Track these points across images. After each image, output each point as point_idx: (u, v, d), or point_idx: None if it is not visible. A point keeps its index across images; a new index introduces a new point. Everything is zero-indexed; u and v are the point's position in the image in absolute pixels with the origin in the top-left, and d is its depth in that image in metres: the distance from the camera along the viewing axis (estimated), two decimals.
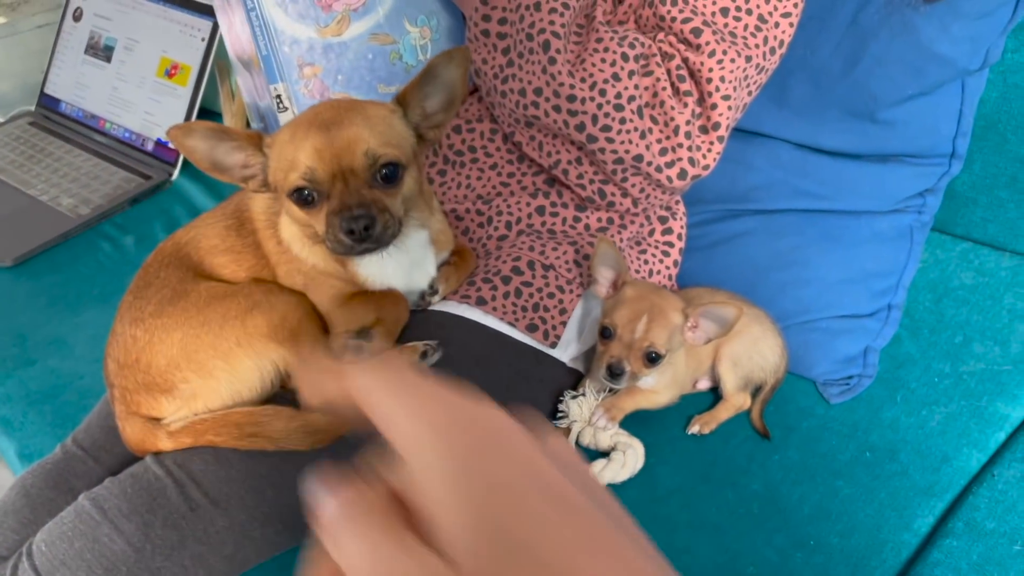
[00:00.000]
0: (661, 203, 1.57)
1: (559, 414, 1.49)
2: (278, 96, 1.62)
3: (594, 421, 1.45)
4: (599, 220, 1.57)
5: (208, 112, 2.47)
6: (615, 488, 1.42)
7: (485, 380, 1.40)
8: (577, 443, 1.47)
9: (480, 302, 1.44)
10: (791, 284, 1.63)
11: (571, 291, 1.50)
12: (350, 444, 1.27)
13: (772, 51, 1.48)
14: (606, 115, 1.39)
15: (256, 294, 1.31)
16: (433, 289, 1.42)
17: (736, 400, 1.51)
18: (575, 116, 1.40)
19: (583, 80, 1.38)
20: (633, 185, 1.47)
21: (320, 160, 1.16)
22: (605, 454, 1.46)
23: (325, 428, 1.24)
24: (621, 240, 1.58)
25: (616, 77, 1.37)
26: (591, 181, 1.50)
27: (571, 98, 1.39)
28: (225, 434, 1.22)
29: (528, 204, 1.55)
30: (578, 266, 1.52)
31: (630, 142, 1.40)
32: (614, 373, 1.37)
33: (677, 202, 1.65)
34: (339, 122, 1.16)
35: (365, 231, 1.16)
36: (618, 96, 1.38)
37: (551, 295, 1.48)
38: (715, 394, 1.58)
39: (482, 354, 1.41)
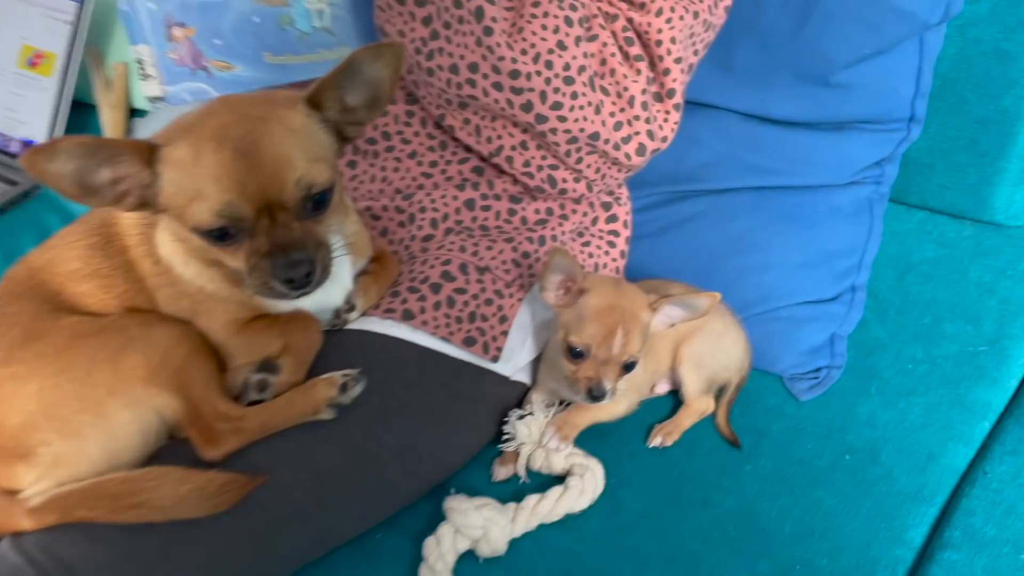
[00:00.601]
0: (609, 187, 1.39)
1: (504, 436, 1.30)
2: (139, 61, 1.35)
3: (545, 442, 1.26)
4: (536, 212, 1.37)
5: (82, 105, 2.16)
6: (576, 520, 1.24)
7: (418, 406, 1.20)
8: (527, 468, 1.29)
9: (407, 316, 1.23)
10: (749, 270, 1.48)
11: (511, 295, 1.31)
12: (258, 504, 1.06)
13: (717, 3, 1.30)
14: (556, 90, 1.20)
15: (130, 328, 1.08)
16: (350, 305, 1.21)
17: (699, 405, 1.35)
18: (520, 94, 1.21)
19: (524, 52, 1.18)
20: (588, 166, 1.29)
21: (242, 194, 0.96)
22: (560, 479, 1.28)
23: (226, 487, 1.02)
24: (563, 233, 1.39)
25: (561, 46, 1.18)
26: (539, 168, 1.31)
27: (514, 73, 1.19)
28: (100, 508, 0.99)
29: (455, 198, 1.34)
30: (516, 266, 1.33)
31: (584, 119, 1.22)
32: (595, 396, 1.19)
33: (620, 185, 1.47)
34: (256, 141, 0.95)
35: (306, 277, 0.98)
36: (566, 68, 1.18)
37: (488, 301, 1.28)
38: (675, 398, 1.41)
39: (412, 377, 1.21)
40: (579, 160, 1.28)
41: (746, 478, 1.31)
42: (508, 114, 1.25)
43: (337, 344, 1.20)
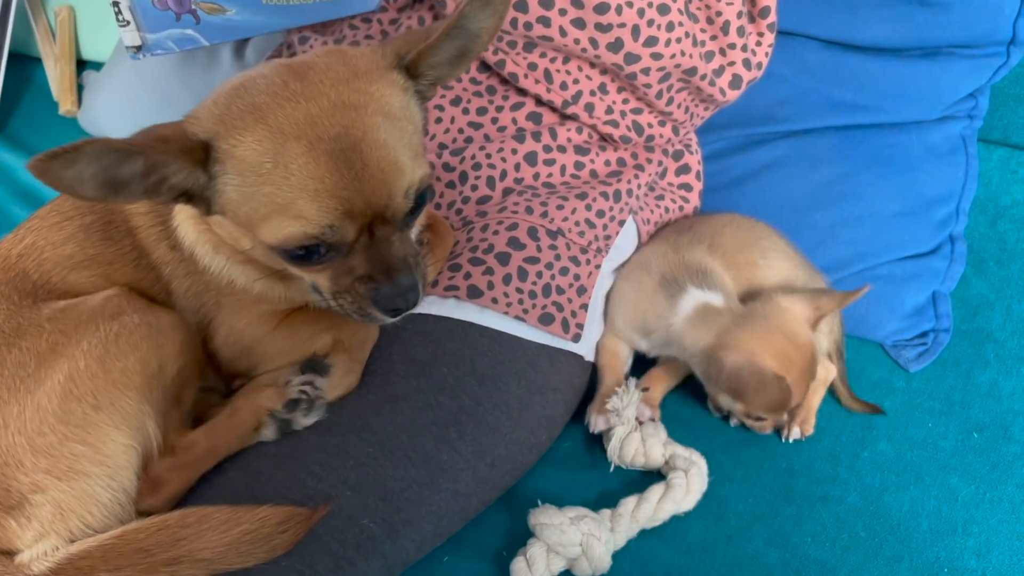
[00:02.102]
0: (695, 127, 1.19)
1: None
2: (115, 3, 1.10)
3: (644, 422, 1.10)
4: (607, 163, 1.16)
5: (21, 57, 1.87)
6: (677, 527, 1.05)
7: (491, 405, 1.00)
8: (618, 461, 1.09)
9: (474, 293, 1.02)
10: (841, 224, 1.29)
11: (587, 261, 1.10)
12: (321, 541, 0.84)
13: None
14: (650, 22, 1.02)
15: (127, 311, 0.85)
16: (425, 278, 0.98)
17: (822, 372, 1.15)
18: (607, 31, 1.02)
19: None
20: (679, 106, 1.10)
21: (346, 214, 0.77)
22: (658, 475, 1.08)
23: (284, 525, 0.80)
24: (639, 187, 1.17)
25: None
26: (623, 114, 1.11)
27: (601, 7, 1.00)
28: (127, 567, 0.78)
29: (514, 152, 1.11)
30: (591, 227, 1.11)
31: (681, 53, 1.04)
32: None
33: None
34: (359, 142, 0.76)
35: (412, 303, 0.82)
36: None
37: (564, 271, 1.07)
38: None
39: (485, 369, 1.00)
40: (669, 101, 1.10)
41: (865, 467, 1.13)
42: (589, 55, 1.06)
43: (393, 334, 0.99)
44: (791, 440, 1.13)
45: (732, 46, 1.08)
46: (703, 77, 1.08)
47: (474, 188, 1.10)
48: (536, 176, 1.12)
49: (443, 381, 0.96)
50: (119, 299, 0.87)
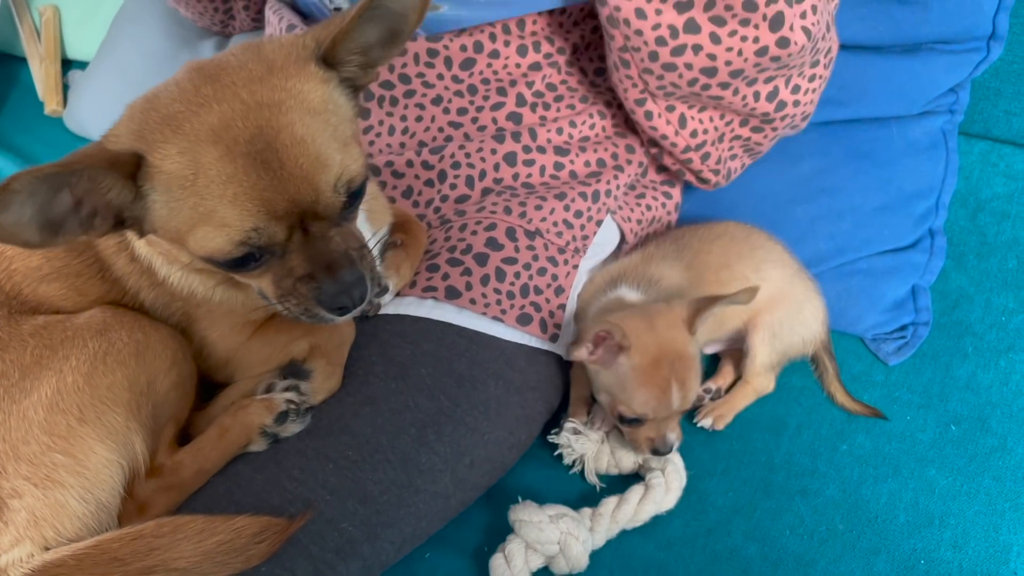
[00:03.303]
0: None
1: (554, 435, 1.11)
2: None
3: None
4: (587, 164, 1.16)
5: (6, 57, 1.87)
6: (657, 522, 1.06)
7: (469, 405, 1.00)
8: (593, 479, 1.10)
9: (452, 294, 1.02)
10: (821, 218, 1.30)
11: (565, 262, 1.11)
12: (300, 546, 0.85)
13: None
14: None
15: (115, 330, 0.86)
16: (382, 286, 0.99)
17: (760, 382, 1.17)
18: (769, 83, 1.09)
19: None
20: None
21: (269, 215, 0.74)
22: (636, 476, 1.09)
23: (261, 536, 0.81)
24: (618, 187, 1.18)
25: None
26: (723, 160, 1.18)
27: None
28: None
29: (493, 152, 1.12)
30: (569, 227, 1.12)
31: (811, 102, 1.18)
32: (663, 452, 1.05)
33: None
34: (274, 140, 0.74)
35: (360, 299, 0.80)
36: None
37: (542, 271, 1.08)
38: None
39: (463, 370, 1.01)
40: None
41: (843, 460, 1.14)
42: (745, 112, 1.11)
43: (372, 335, 0.99)
44: (699, 425, 1.14)
45: None
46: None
47: (453, 187, 1.11)
48: (515, 176, 1.13)
49: (421, 382, 0.97)
50: (105, 315, 0.87)
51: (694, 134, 1.13)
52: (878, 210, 1.30)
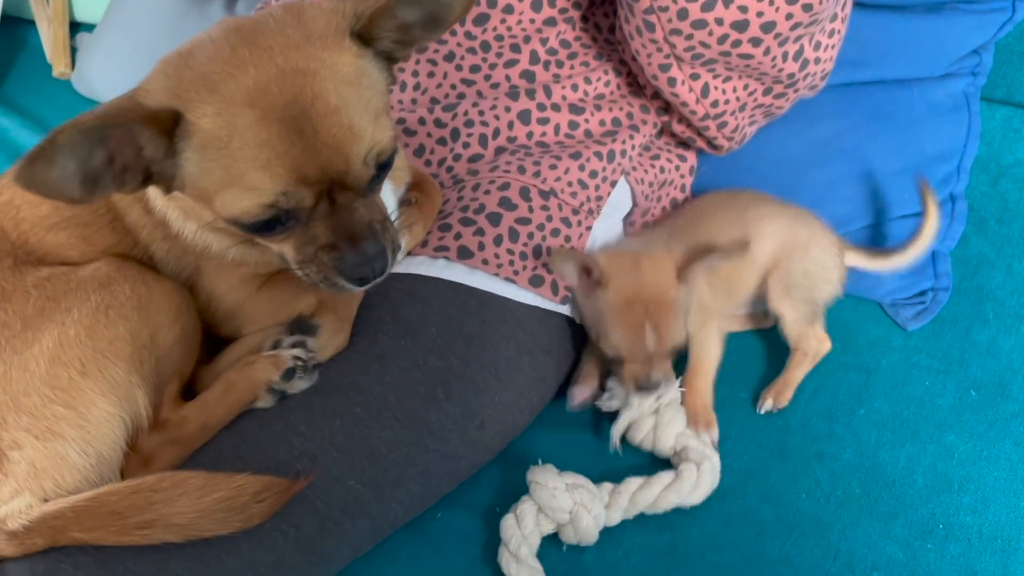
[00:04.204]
0: None
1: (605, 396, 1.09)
2: None
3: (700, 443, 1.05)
4: (602, 123, 1.14)
5: (14, 20, 1.85)
6: (679, 512, 1.03)
7: (479, 366, 0.99)
8: (623, 440, 1.07)
9: (464, 254, 1.01)
10: (841, 181, 1.27)
11: (578, 223, 1.09)
12: (306, 503, 0.84)
13: None
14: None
15: (117, 283, 0.84)
16: (394, 244, 0.97)
17: (807, 345, 1.14)
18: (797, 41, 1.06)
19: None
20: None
21: (299, 182, 0.74)
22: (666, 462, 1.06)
23: (262, 495, 0.80)
24: (633, 147, 1.15)
25: None
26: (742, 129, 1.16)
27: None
28: (101, 528, 0.77)
29: (507, 110, 1.10)
30: (583, 187, 1.10)
31: (831, 59, 1.13)
32: (647, 389, 1.02)
33: None
34: (308, 108, 0.73)
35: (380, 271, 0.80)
36: None
37: (555, 232, 1.06)
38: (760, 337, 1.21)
39: (472, 330, 0.99)
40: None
41: (861, 424, 1.12)
42: (772, 74, 1.06)
43: (382, 294, 0.98)
44: (762, 412, 1.11)
45: None
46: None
47: (466, 146, 1.09)
48: (529, 135, 1.10)
49: (431, 341, 0.95)
50: (109, 268, 0.86)
51: (715, 104, 1.10)
52: (898, 173, 1.27)
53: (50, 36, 1.79)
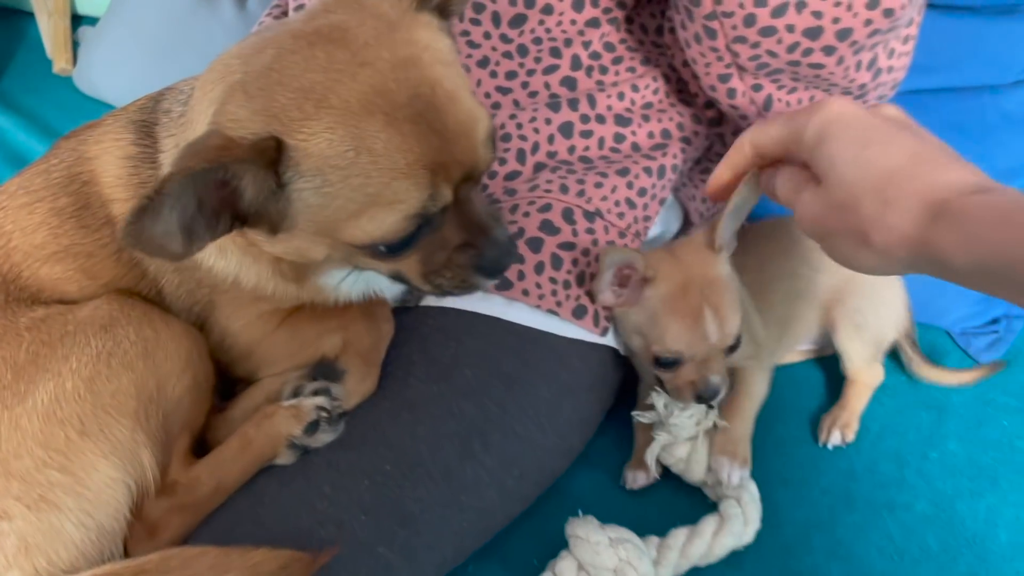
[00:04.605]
0: None
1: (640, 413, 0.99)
2: None
3: (725, 478, 0.95)
4: (651, 136, 1.03)
5: (13, 12, 1.76)
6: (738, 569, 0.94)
7: (518, 410, 0.89)
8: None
9: (502, 284, 0.91)
10: None
11: (625, 246, 0.98)
12: (329, 574, 0.74)
13: None
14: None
15: (120, 326, 0.74)
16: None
17: (870, 377, 1.05)
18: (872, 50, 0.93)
19: None
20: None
21: (444, 180, 0.68)
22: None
23: (286, 569, 0.70)
24: (684, 161, 1.05)
25: None
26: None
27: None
28: None
29: (548, 122, 0.99)
30: (631, 207, 1.00)
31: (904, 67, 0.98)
32: (707, 398, 0.93)
33: None
34: (428, 96, 0.66)
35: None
36: None
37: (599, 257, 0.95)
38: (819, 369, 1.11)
39: (512, 371, 0.89)
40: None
41: (934, 470, 1.02)
42: (843, 84, 0.95)
43: (412, 329, 0.88)
44: (830, 446, 1.03)
45: None
46: None
47: (502, 161, 0.98)
48: (571, 149, 1.00)
49: (466, 385, 0.86)
50: (111, 308, 0.76)
51: (768, 104, 0.99)
52: None
53: (50, 30, 1.70)
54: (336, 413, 0.80)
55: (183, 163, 0.59)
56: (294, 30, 0.68)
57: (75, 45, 1.70)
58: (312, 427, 0.78)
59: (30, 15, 1.75)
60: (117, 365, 0.72)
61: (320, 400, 0.79)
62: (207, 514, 0.76)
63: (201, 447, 0.81)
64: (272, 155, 0.63)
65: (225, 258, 0.78)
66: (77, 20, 1.74)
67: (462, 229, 0.71)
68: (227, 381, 0.86)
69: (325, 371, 0.81)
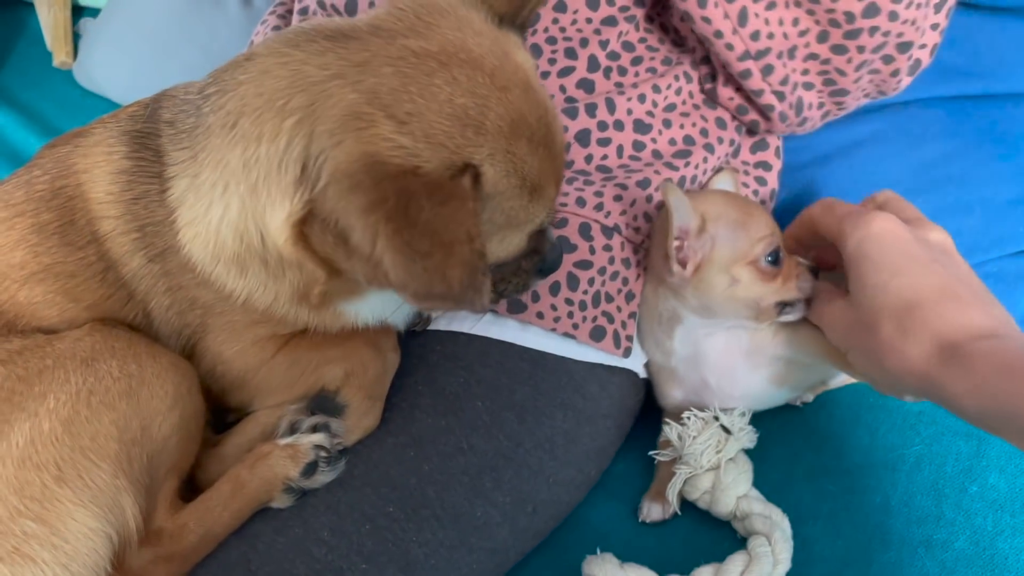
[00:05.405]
0: None
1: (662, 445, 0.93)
2: None
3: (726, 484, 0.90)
4: (672, 142, 0.97)
5: (9, 2, 1.71)
6: None
7: (533, 443, 0.83)
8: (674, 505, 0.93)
9: (514, 306, 0.85)
10: (946, 212, 1.10)
11: (638, 262, 0.93)
12: None
13: None
14: None
15: (103, 358, 0.69)
16: None
17: None
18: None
19: None
20: (859, 89, 0.99)
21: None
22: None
23: None
24: (706, 172, 0.99)
25: None
26: (795, 86, 0.96)
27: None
28: None
29: (564, 129, 0.93)
30: (648, 221, 0.94)
31: (912, 22, 0.89)
32: (800, 298, 0.88)
33: None
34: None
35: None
36: None
37: (615, 275, 0.90)
38: None
39: (525, 401, 0.84)
40: (857, 80, 0.97)
41: (974, 504, 0.95)
42: (826, 3, 0.88)
43: (418, 356, 0.83)
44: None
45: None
46: (909, 57, 0.93)
47: None
48: (588, 159, 0.94)
49: (477, 418, 0.80)
50: (93, 341, 0.71)
51: (755, 36, 0.90)
52: (1012, 203, 1.10)
53: (50, 22, 1.65)
54: (336, 451, 0.74)
55: (456, 220, 0.59)
56: (407, 50, 0.64)
57: (76, 38, 1.65)
58: (310, 468, 0.73)
59: (30, 6, 1.70)
60: (98, 404, 0.66)
61: (319, 438, 0.73)
62: (194, 564, 0.71)
63: (190, 483, 0.76)
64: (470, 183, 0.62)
65: (245, 276, 0.71)
66: (78, 12, 1.69)
67: (531, 237, 0.71)
68: (219, 412, 0.81)
69: (324, 405, 0.76)
